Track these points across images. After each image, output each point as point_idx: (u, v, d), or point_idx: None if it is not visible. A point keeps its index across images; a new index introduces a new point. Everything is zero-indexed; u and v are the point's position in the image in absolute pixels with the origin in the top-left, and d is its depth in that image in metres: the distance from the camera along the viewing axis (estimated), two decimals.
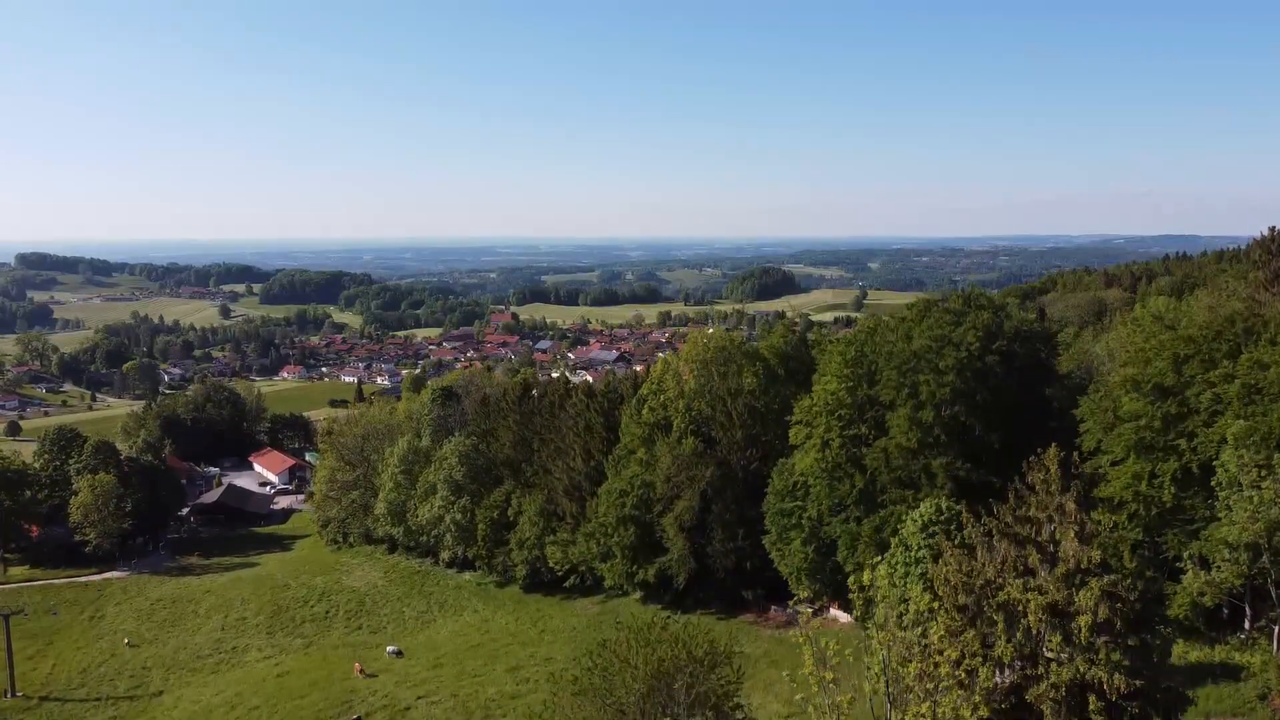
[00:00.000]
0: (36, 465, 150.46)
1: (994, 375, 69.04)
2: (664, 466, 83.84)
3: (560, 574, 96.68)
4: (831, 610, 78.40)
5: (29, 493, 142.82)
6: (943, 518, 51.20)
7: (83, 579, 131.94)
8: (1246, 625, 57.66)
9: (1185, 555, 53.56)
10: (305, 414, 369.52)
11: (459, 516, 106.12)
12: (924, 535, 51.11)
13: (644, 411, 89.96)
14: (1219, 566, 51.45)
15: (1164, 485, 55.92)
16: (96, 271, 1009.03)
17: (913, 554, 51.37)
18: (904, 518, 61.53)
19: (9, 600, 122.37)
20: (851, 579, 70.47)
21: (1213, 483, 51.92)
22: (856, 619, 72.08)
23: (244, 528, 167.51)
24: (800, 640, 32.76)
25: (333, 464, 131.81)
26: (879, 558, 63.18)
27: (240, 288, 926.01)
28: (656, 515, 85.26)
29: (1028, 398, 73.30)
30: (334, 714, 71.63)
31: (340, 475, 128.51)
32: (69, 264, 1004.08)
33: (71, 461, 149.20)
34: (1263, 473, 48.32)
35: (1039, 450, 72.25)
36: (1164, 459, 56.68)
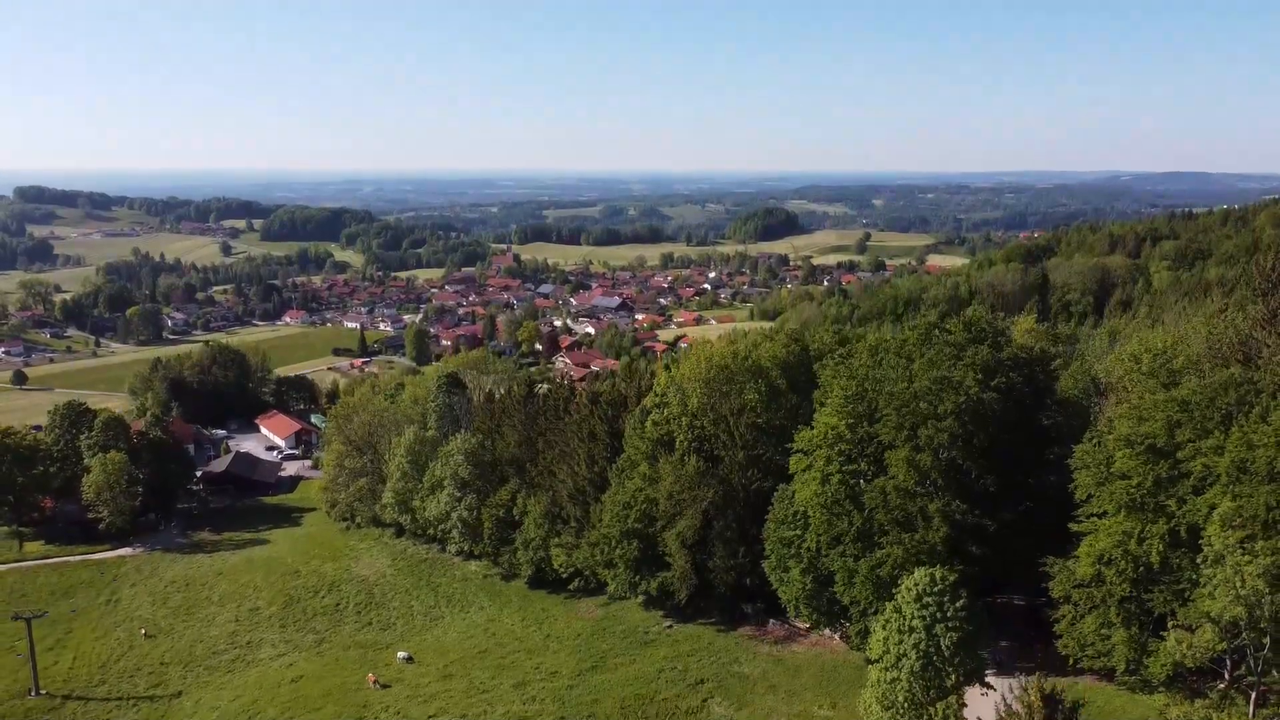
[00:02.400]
0: (48, 440, 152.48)
1: (992, 413, 70.23)
2: (667, 484, 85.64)
3: (565, 576, 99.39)
4: (826, 630, 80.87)
5: (41, 468, 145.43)
6: (936, 589, 52.97)
7: (97, 556, 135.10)
8: (1226, 675, 59.92)
9: (1170, 625, 55.55)
10: (309, 362, 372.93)
11: (465, 514, 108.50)
12: (918, 605, 52.97)
13: (647, 425, 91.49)
14: (1201, 632, 53.45)
15: (1152, 546, 57.57)
16: (96, 205, 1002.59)
17: (906, 621, 53.32)
18: (899, 580, 63.64)
19: (27, 580, 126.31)
20: (852, 610, 73.24)
21: (1198, 559, 53.62)
22: (852, 647, 74.96)
23: (253, 497, 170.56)
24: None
25: (340, 449, 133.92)
26: (875, 613, 65.74)
27: (240, 223, 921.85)
28: (659, 529, 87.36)
29: (1024, 428, 74.60)
30: None
31: (348, 462, 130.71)
32: (68, 198, 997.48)
33: (82, 437, 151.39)
34: (1247, 558, 49.98)
35: (1033, 482, 73.85)
36: (1153, 520, 58.26)
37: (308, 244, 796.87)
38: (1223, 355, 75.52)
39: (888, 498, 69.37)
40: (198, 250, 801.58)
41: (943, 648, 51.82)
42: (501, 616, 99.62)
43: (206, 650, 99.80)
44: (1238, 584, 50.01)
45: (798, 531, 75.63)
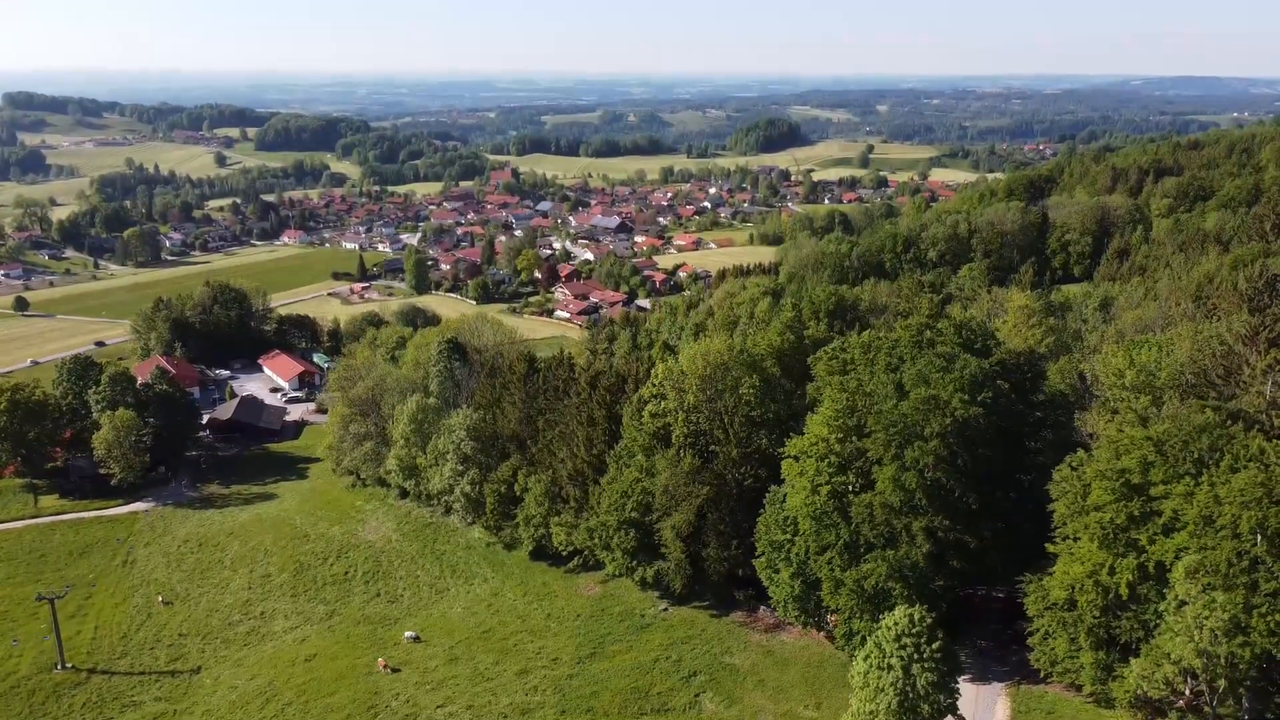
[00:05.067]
0: (56, 394, 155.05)
1: (977, 429, 72.57)
2: (663, 479, 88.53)
3: (565, 554, 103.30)
4: (814, 630, 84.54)
5: (50, 423, 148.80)
6: (915, 630, 56.22)
7: (110, 512, 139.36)
8: (1187, 693, 63.75)
9: (1132, 660, 59.05)
10: (308, 287, 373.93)
11: (468, 488, 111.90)
12: (896, 644, 56.32)
13: (645, 416, 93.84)
14: (1162, 669, 57.00)
15: (1122, 579, 60.68)
16: (86, 112, 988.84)
17: (886, 659, 56.77)
18: (883, 591, 67.09)
19: (44, 538, 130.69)
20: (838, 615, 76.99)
21: (1161, 606, 56.76)
22: (837, 647, 79.00)
23: (259, 444, 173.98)
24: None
25: (345, 411, 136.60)
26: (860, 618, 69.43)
27: (234, 132, 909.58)
28: (655, 519, 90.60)
29: (1009, 435, 77.08)
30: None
31: (354, 427, 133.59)
32: (58, 104, 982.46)
33: (90, 392, 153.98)
34: (1207, 611, 53.05)
35: (1014, 496, 76.44)
36: (1123, 554, 61.25)
37: (303, 155, 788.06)
38: (1205, 368, 77.72)
39: (873, 513, 72.29)
40: (192, 161, 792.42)
41: (919, 686, 55.34)
42: (504, 590, 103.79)
43: (222, 621, 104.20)
44: (1197, 635, 53.25)
45: (788, 536, 78.82)
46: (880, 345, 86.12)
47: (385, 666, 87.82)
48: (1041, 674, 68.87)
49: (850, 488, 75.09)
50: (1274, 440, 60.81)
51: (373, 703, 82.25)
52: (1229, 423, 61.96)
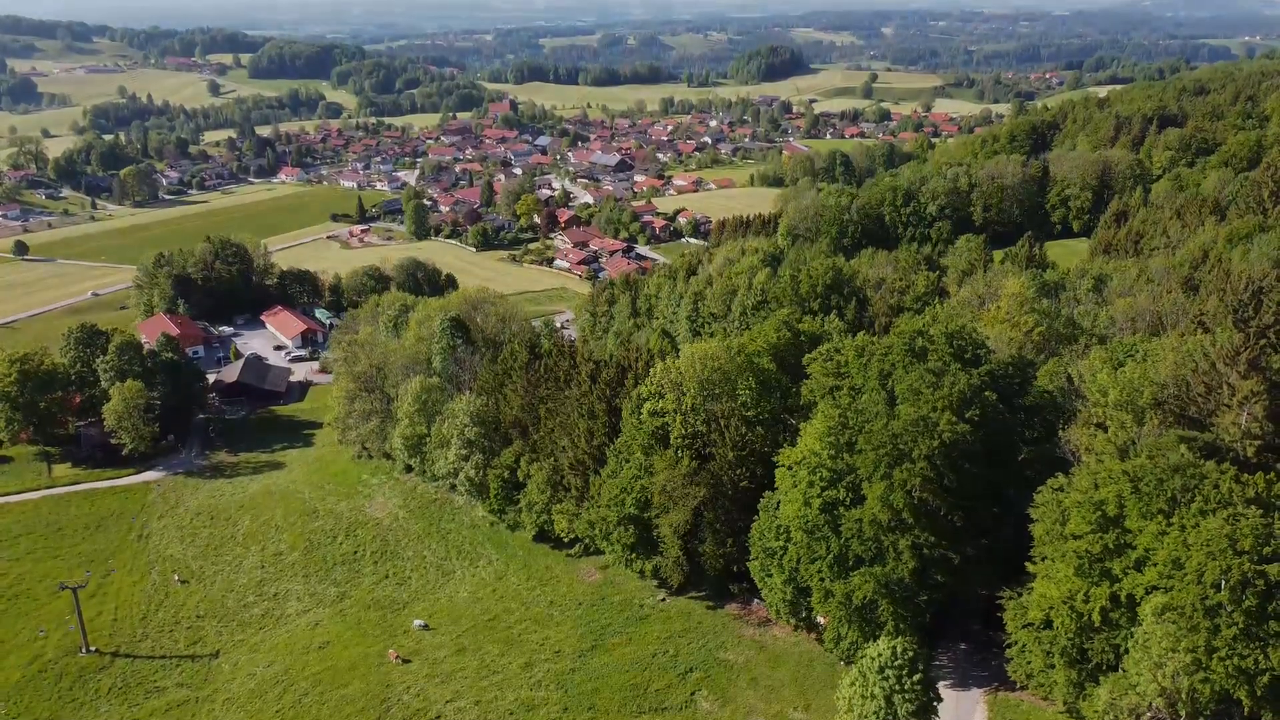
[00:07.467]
0: (64, 362, 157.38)
1: (965, 447, 75.25)
2: (661, 479, 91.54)
3: (566, 540, 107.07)
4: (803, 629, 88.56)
5: (60, 392, 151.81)
6: (897, 662, 59.75)
7: (123, 482, 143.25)
8: (1152, 707, 67.77)
9: (1101, 680, 62.78)
10: (308, 229, 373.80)
11: (472, 473, 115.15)
12: (879, 675, 59.92)
13: (644, 413, 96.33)
14: (1128, 698, 60.81)
15: (1095, 606, 64.09)
16: (76, 36, 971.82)
17: (869, 688, 60.43)
18: (871, 603, 70.71)
19: (60, 510, 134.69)
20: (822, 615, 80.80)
21: (1130, 644, 60.19)
22: (826, 649, 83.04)
23: (264, 406, 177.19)
24: None
25: (350, 386, 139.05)
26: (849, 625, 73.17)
27: (227, 58, 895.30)
28: (654, 516, 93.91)
29: (997, 447, 79.85)
30: (375, 715, 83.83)
31: (359, 404, 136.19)
32: (46, 28, 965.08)
33: (98, 360, 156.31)
34: (1171, 652, 56.49)
35: (998, 510, 79.41)
36: (1097, 583, 64.54)
37: (298, 83, 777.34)
38: (1187, 382, 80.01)
39: (862, 529, 75.46)
40: (185, 89, 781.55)
41: (899, 716, 59.03)
42: (508, 573, 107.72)
43: (237, 602, 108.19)
44: (1159, 675, 56.78)
45: (781, 543, 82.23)
46: (873, 351, 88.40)
47: (396, 657, 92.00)
48: (1017, 685, 72.84)
49: (841, 501, 78.02)
50: (1244, 476, 63.56)
51: (385, 695, 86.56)
52: (1202, 459, 64.54)
